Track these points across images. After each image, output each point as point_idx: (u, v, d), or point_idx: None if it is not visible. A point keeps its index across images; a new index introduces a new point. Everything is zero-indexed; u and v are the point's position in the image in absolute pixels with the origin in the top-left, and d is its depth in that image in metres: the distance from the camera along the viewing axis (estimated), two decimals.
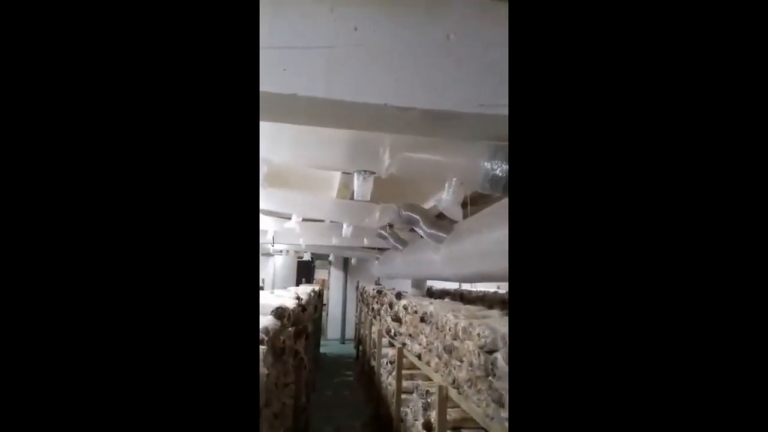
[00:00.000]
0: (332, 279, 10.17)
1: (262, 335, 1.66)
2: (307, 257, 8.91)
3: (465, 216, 2.48)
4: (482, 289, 7.20)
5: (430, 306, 2.90)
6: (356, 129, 1.63)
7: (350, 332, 9.57)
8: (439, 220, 2.99)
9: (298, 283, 7.76)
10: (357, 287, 9.07)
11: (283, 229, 4.91)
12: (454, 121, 1.15)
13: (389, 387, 3.88)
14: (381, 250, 6.53)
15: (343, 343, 9.66)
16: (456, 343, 2.17)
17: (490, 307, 3.37)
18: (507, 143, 1.26)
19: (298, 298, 3.07)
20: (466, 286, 7.70)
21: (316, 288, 6.45)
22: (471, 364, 1.90)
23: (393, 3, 1.10)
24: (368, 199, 2.15)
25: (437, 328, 2.55)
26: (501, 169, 1.66)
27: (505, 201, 2.08)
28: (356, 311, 9.04)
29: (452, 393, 2.20)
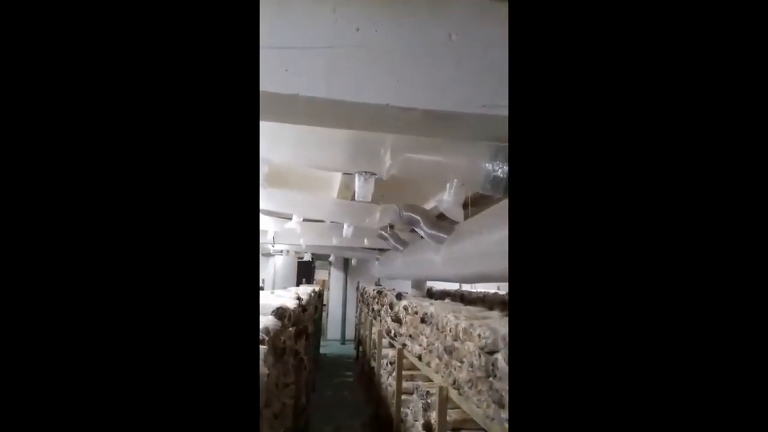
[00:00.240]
0: (332, 279, 10.16)
1: (262, 335, 1.66)
2: (307, 258, 8.90)
3: (466, 217, 2.47)
4: (482, 290, 7.19)
5: (431, 307, 2.89)
6: (357, 129, 1.63)
7: (350, 333, 9.57)
8: (440, 221, 2.99)
9: (298, 283, 7.74)
10: (357, 288, 9.06)
11: (283, 230, 4.90)
12: (455, 121, 1.15)
13: (389, 387, 3.88)
14: (381, 250, 6.53)
15: (343, 343, 9.65)
16: (456, 344, 2.17)
17: (491, 308, 3.37)
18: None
19: (298, 298, 3.06)
20: (466, 287, 7.70)
21: (317, 288, 6.44)
22: (471, 365, 1.89)
23: (395, 3, 1.10)
24: (369, 200, 2.15)
25: (437, 328, 2.54)
26: (502, 170, 1.66)
27: (506, 202, 2.07)
28: (356, 312, 9.04)
29: (452, 394, 2.20)
